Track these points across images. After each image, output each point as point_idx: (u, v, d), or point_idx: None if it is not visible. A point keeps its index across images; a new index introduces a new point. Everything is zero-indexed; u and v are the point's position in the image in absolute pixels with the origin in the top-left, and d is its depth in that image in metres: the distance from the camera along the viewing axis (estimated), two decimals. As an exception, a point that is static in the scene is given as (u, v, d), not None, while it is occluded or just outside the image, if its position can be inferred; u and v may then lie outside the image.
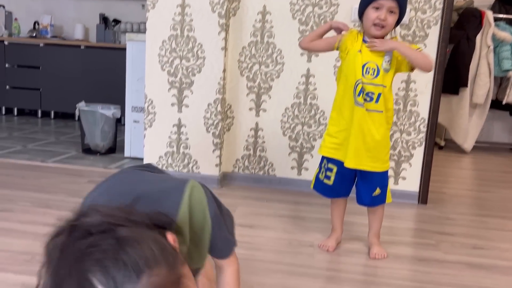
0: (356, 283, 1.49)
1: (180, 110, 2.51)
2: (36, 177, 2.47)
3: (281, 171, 2.61)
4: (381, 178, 1.66)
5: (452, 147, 4.24)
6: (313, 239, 1.84)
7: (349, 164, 1.63)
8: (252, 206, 2.24)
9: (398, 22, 1.60)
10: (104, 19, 4.96)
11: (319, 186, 1.77)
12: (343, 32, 1.67)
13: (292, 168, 2.60)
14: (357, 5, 2.32)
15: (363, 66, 1.58)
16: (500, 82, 4.22)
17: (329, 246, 1.74)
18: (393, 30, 1.65)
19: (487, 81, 3.96)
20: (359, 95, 1.59)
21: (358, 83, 1.59)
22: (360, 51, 1.60)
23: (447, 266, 1.66)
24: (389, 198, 1.70)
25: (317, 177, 1.78)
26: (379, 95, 1.57)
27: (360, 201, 1.73)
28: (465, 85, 3.94)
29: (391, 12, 1.54)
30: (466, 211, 2.42)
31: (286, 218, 2.09)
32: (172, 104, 2.51)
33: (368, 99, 1.58)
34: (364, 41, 1.61)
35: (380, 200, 1.69)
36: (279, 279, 1.47)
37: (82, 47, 4.55)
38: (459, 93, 3.99)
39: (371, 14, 1.56)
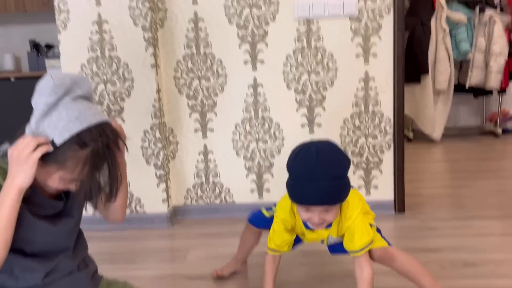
0: None
1: (113, 143, 2.16)
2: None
3: (239, 196, 2.30)
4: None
5: (421, 137, 4.05)
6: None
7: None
8: (208, 247, 1.91)
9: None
10: (35, 46, 4.53)
11: (257, 219, 1.51)
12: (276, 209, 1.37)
13: (252, 191, 2.29)
14: (299, 1, 2.11)
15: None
16: (460, 66, 4.07)
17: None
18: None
19: (447, 66, 3.79)
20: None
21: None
22: (303, 234, 1.34)
23: (440, 297, 1.39)
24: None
25: (259, 212, 1.50)
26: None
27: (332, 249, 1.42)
28: (426, 71, 3.76)
29: (327, 210, 1.17)
30: (448, 216, 2.17)
31: (249, 257, 1.78)
32: (103, 137, 2.16)
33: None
34: (305, 226, 1.29)
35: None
36: None
37: (12, 79, 4.12)
38: (421, 81, 3.81)
39: (302, 214, 1.20)
